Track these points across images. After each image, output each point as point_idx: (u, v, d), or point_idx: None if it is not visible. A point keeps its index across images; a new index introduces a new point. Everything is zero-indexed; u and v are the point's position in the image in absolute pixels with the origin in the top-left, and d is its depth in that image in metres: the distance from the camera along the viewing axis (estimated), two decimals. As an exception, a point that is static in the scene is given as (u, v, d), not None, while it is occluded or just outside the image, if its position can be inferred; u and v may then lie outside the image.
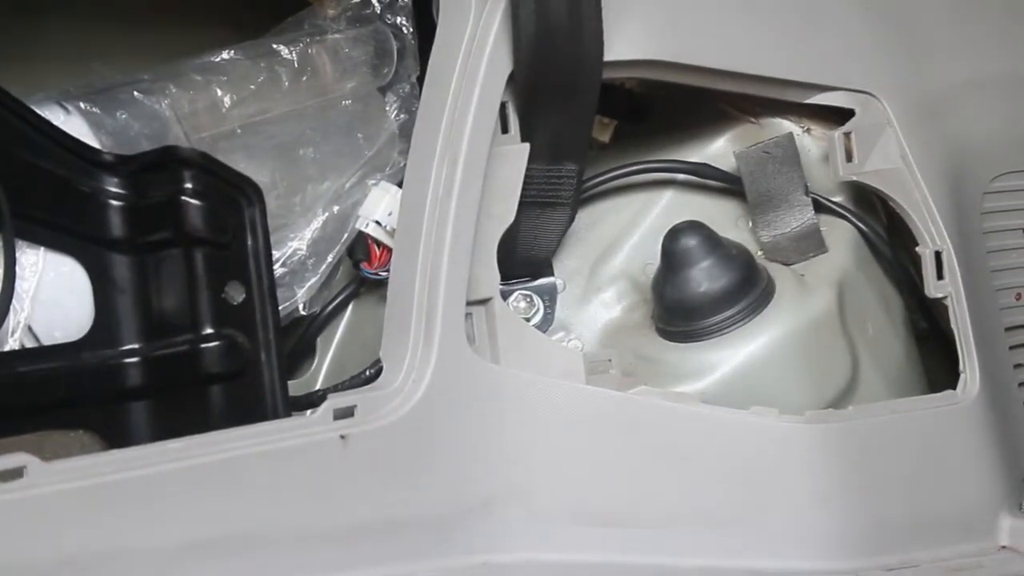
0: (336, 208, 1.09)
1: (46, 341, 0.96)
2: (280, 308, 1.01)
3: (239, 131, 1.06)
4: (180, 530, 0.83)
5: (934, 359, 1.12)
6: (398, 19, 1.13)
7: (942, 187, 1.07)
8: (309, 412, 0.91)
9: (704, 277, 1.04)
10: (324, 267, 1.10)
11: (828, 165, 1.07)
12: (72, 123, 0.99)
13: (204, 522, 0.84)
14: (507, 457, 0.94)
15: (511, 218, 0.97)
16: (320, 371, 1.14)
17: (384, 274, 1.04)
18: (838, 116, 1.07)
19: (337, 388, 1.04)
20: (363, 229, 1.09)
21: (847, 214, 1.10)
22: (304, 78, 1.08)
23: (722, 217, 1.10)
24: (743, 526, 0.99)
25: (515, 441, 0.94)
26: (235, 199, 0.98)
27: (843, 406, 1.04)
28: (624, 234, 1.12)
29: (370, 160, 1.11)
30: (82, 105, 1.01)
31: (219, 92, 1.05)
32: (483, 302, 0.96)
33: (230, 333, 0.97)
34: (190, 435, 0.86)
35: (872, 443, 1.01)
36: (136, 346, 0.97)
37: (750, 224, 1.10)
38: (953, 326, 1.05)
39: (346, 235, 1.10)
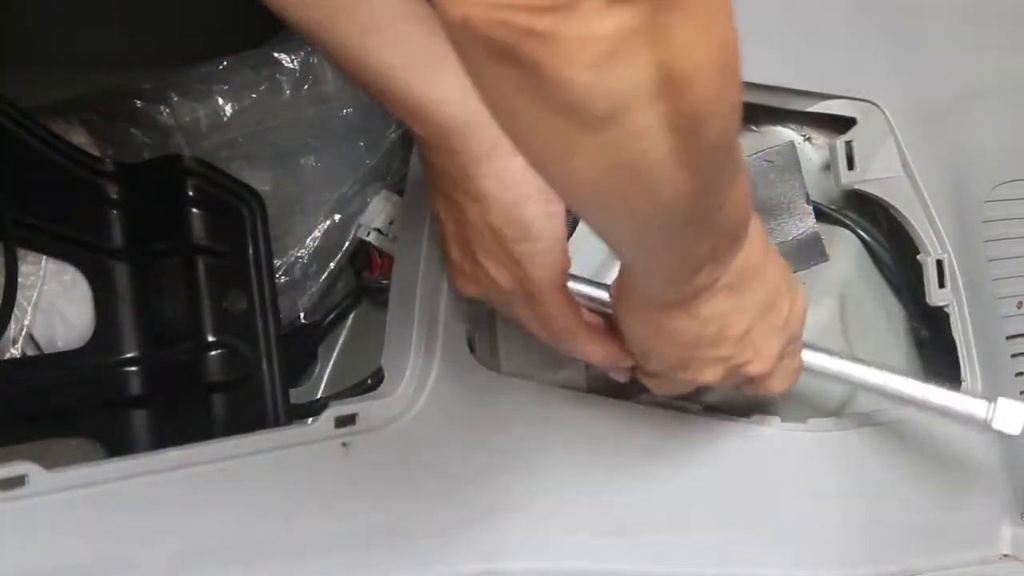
0: (337, 217, 1.10)
1: (47, 349, 0.96)
2: (281, 316, 1.01)
3: (240, 140, 1.06)
4: (181, 538, 0.83)
5: (935, 367, 1.12)
6: (400, 28, 1.13)
7: (943, 195, 1.07)
8: (310, 420, 0.91)
9: (705, 285, 1.03)
10: (325, 275, 1.10)
11: (829, 173, 1.07)
12: (74, 132, 1.00)
13: (205, 530, 0.84)
14: (508, 465, 0.94)
15: (512, 226, 0.97)
16: (321, 379, 1.14)
17: (385, 282, 1.04)
18: (839, 124, 1.07)
19: (338, 396, 1.04)
20: (364, 238, 1.09)
21: (848, 222, 1.09)
22: (305, 87, 1.08)
23: (723, 225, 1.10)
24: (745, 534, 0.99)
25: (516, 449, 0.94)
26: (236, 208, 0.98)
27: (845, 414, 1.04)
28: (626, 243, 1.11)
29: (371, 169, 1.11)
30: (84, 114, 1.01)
31: (220, 101, 1.05)
32: (484, 310, 0.96)
33: (231, 341, 0.97)
34: (191, 443, 0.86)
35: (874, 451, 1.01)
36: (137, 354, 0.98)
37: (751, 232, 1.10)
38: (955, 334, 1.05)
39: (347, 244, 1.10)
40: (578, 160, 0.60)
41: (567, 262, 0.85)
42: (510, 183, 0.81)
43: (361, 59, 0.78)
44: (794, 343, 0.89)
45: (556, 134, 0.59)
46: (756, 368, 0.86)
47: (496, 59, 0.55)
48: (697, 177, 0.63)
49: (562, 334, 0.87)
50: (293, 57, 1.08)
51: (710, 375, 0.86)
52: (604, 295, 0.90)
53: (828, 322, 1.06)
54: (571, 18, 0.53)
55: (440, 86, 0.79)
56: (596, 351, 0.88)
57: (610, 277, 1.09)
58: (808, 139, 1.10)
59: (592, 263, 1.10)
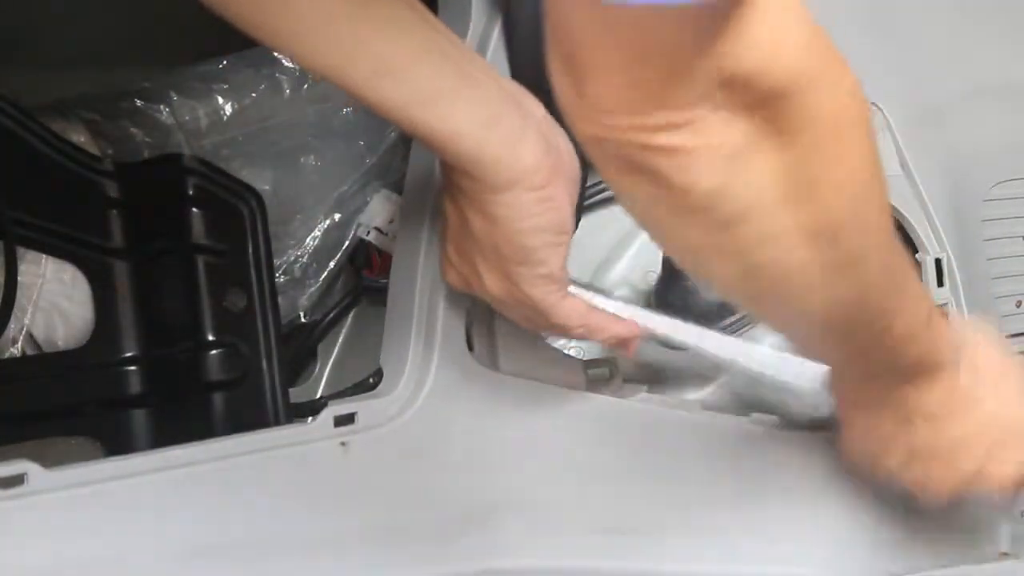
0: (337, 216, 1.10)
1: (47, 348, 0.96)
2: (281, 316, 1.01)
3: (240, 138, 1.06)
4: (181, 537, 0.83)
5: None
6: (400, 27, 1.13)
7: (942, 195, 1.07)
8: (310, 419, 0.91)
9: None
10: (325, 275, 1.10)
11: (828, 173, 1.06)
12: (73, 131, 1.00)
13: (204, 529, 0.84)
14: (507, 464, 0.94)
15: (512, 225, 0.97)
16: (321, 378, 1.14)
17: (385, 282, 1.04)
18: (838, 124, 1.07)
19: (338, 395, 1.04)
20: (364, 237, 1.09)
21: (847, 221, 1.09)
22: (305, 86, 1.08)
23: (723, 224, 1.10)
24: (743, 533, 0.99)
25: (515, 448, 0.94)
26: (236, 206, 0.98)
27: (844, 413, 1.04)
28: (625, 241, 1.12)
29: (371, 168, 1.11)
30: (83, 113, 1.01)
31: (220, 100, 1.05)
32: (484, 309, 0.96)
33: (231, 340, 0.97)
34: (191, 442, 0.86)
35: (873, 450, 1.01)
36: (137, 353, 0.97)
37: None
38: (954, 333, 1.05)
39: (347, 243, 1.10)
40: (715, 261, 0.65)
41: (565, 279, 0.86)
42: (523, 215, 0.81)
43: (376, 98, 0.77)
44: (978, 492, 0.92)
45: (690, 237, 0.63)
46: (923, 496, 0.91)
47: (628, 171, 0.60)
48: (843, 291, 0.66)
49: (581, 335, 0.89)
50: (293, 56, 1.08)
51: (900, 478, 0.91)
52: (598, 300, 0.91)
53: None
54: (690, 133, 0.57)
55: (458, 121, 0.79)
56: (615, 335, 0.90)
57: (606, 280, 1.10)
58: (807, 138, 1.10)
59: (604, 247, 1.11)
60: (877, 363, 0.79)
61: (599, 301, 0.91)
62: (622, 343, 0.91)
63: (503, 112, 0.81)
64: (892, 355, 0.78)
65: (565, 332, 0.89)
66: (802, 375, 0.94)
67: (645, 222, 0.67)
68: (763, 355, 0.95)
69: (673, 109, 0.57)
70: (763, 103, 0.57)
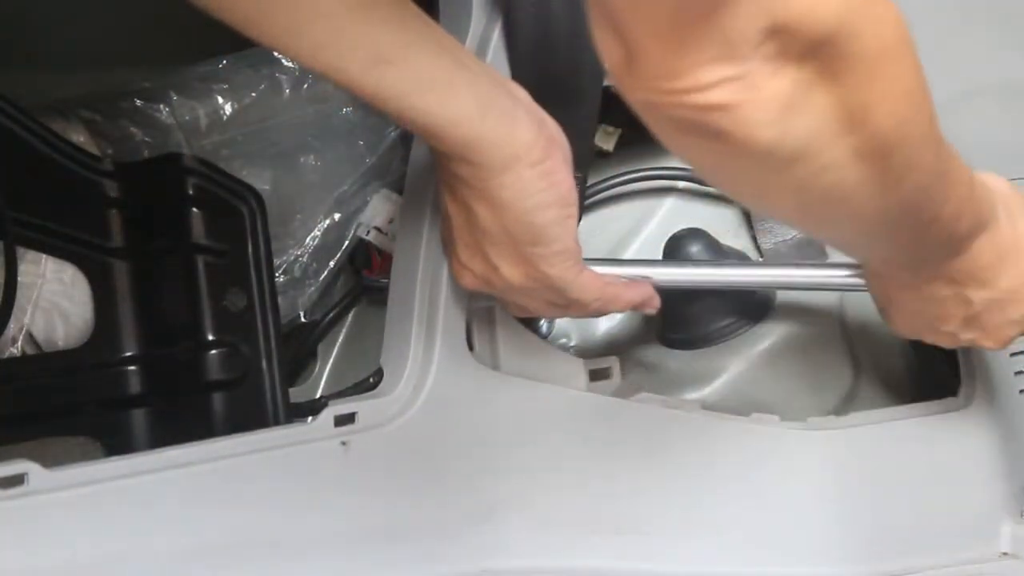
0: (337, 215, 1.10)
1: (47, 348, 0.96)
2: (281, 315, 1.01)
3: (240, 138, 1.06)
4: (180, 537, 0.83)
5: (935, 365, 1.12)
6: (400, 27, 1.13)
7: (942, 194, 1.06)
8: (310, 419, 0.91)
9: (705, 284, 1.04)
10: (325, 274, 1.10)
11: (828, 172, 1.06)
12: (73, 131, 1.00)
13: (204, 529, 0.84)
14: (508, 464, 0.94)
15: (512, 225, 0.97)
16: (321, 378, 1.14)
17: (385, 281, 1.04)
18: (838, 124, 1.07)
19: (338, 395, 1.04)
20: (364, 236, 1.09)
21: (847, 221, 1.10)
22: (305, 86, 1.08)
23: (722, 224, 1.10)
24: (744, 532, 0.99)
25: (516, 448, 0.94)
26: (236, 206, 0.98)
27: (844, 412, 1.04)
28: (625, 241, 1.12)
29: (371, 167, 1.11)
30: (83, 113, 1.01)
31: (220, 100, 1.06)
32: (484, 309, 0.96)
33: (231, 340, 0.97)
34: (191, 442, 0.86)
35: (873, 449, 1.01)
36: (137, 353, 0.97)
37: (751, 231, 1.10)
38: (953, 333, 1.05)
39: (347, 242, 1.10)
40: (775, 196, 0.68)
41: (579, 252, 0.87)
42: (528, 193, 0.83)
43: (375, 89, 0.78)
44: None
45: (752, 179, 0.66)
46: (986, 345, 0.93)
47: (686, 132, 0.61)
48: (895, 199, 0.69)
49: (598, 309, 0.91)
50: (293, 56, 1.08)
51: (943, 342, 0.94)
52: (620, 270, 0.93)
53: (827, 320, 1.06)
54: (743, 87, 0.59)
55: (456, 106, 0.80)
56: (629, 302, 0.92)
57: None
58: (808, 138, 1.10)
59: (605, 247, 1.11)
60: (928, 246, 0.81)
61: (611, 269, 0.91)
62: (640, 307, 0.93)
63: (495, 94, 0.82)
64: (943, 236, 0.80)
65: (583, 309, 0.90)
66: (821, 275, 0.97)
67: (703, 171, 0.70)
68: (780, 269, 0.99)
69: (724, 65, 0.58)
70: (812, 50, 0.59)
